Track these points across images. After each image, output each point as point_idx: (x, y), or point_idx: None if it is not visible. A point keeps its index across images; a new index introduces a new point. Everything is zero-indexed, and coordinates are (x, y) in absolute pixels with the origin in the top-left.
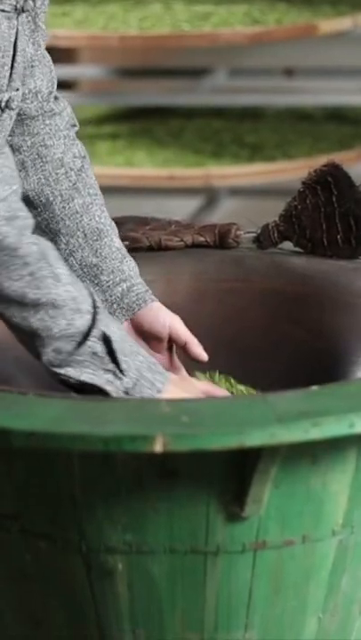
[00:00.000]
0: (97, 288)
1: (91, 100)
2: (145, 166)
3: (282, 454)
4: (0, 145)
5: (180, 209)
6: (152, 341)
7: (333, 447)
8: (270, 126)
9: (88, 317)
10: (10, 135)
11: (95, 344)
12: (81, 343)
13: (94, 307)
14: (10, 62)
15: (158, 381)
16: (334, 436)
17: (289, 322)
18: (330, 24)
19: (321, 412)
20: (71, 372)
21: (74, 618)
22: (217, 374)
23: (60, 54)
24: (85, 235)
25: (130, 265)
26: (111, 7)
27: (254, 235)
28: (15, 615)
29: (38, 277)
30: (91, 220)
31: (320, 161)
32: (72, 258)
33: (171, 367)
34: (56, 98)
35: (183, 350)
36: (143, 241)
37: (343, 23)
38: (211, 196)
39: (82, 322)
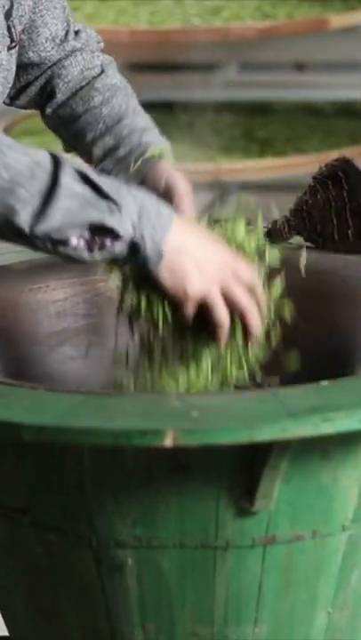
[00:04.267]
0: (116, 163)
1: None
2: None
3: (292, 449)
4: None
5: None
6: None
7: (344, 442)
8: (281, 121)
9: (49, 166)
10: (37, 79)
11: (70, 183)
12: (53, 189)
13: (54, 155)
14: None
15: (163, 206)
16: (345, 430)
17: (300, 317)
18: (341, 19)
19: (332, 407)
20: (59, 221)
21: (84, 611)
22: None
23: None
24: (106, 124)
25: (152, 134)
26: (121, 1)
27: (265, 229)
28: (26, 608)
29: None
30: (110, 110)
31: (330, 155)
32: (95, 147)
33: None
34: (77, 32)
35: (176, 202)
36: None
37: (354, 18)
38: (221, 190)
39: (45, 172)
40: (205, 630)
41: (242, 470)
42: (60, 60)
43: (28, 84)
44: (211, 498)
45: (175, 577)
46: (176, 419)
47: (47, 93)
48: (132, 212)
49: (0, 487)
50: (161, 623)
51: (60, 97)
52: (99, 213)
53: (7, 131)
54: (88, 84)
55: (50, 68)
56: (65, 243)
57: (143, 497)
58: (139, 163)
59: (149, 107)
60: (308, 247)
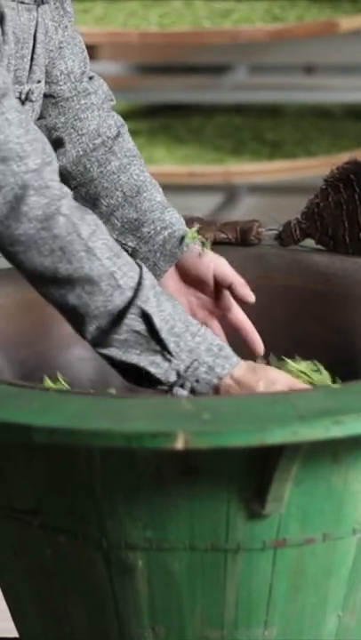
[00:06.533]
0: (140, 241)
1: None
2: (165, 163)
3: (303, 452)
4: (30, 123)
5: (201, 206)
6: (200, 285)
7: (355, 445)
8: (290, 123)
9: (129, 294)
10: (45, 117)
11: (134, 322)
12: (118, 320)
13: (140, 282)
14: (30, 54)
15: (219, 366)
16: (356, 434)
17: (311, 319)
18: (351, 21)
19: (343, 410)
20: (114, 352)
21: (94, 613)
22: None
23: None
24: (124, 193)
25: (172, 214)
26: (131, 4)
27: (276, 232)
28: (36, 609)
29: (69, 251)
30: (129, 178)
31: (340, 158)
32: (113, 217)
33: (218, 309)
34: (90, 77)
35: (230, 291)
36: None
37: None
38: (231, 192)
39: (121, 298)
40: (215, 633)
41: (253, 473)
42: (75, 109)
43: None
44: (221, 500)
45: (185, 579)
46: (187, 421)
47: (53, 139)
48: (181, 365)
49: (10, 489)
50: (171, 626)
51: (70, 148)
52: (147, 360)
53: None
54: (103, 143)
55: (63, 111)
56: (112, 363)
57: (154, 499)
58: (182, 248)
59: (159, 109)
60: (319, 250)
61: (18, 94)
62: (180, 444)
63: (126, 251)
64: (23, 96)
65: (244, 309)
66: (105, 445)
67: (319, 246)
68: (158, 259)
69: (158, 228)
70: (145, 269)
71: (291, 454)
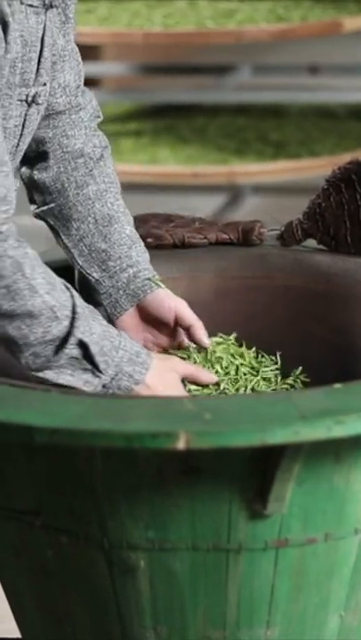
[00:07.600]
0: (104, 274)
1: (114, 98)
2: (169, 163)
3: (305, 452)
4: (2, 162)
5: (204, 206)
6: (159, 326)
7: (357, 445)
8: (294, 123)
9: (66, 324)
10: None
11: (72, 350)
12: (58, 349)
13: (73, 312)
14: (37, 57)
15: (137, 373)
16: (357, 434)
17: (312, 319)
18: (355, 21)
19: (344, 410)
20: (50, 375)
21: (96, 613)
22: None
23: (83, 51)
24: (96, 220)
25: (139, 251)
26: (135, 4)
27: (278, 232)
28: (38, 610)
29: (13, 290)
30: (103, 206)
31: (344, 158)
32: (82, 243)
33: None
34: (83, 91)
35: (187, 334)
36: (167, 238)
37: None
38: (234, 193)
39: (59, 329)
40: (218, 633)
41: (254, 473)
42: (64, 125)
43: None
44: (223, 500)
45: (187, 579)
46: (189, 421)
47: (39, 152)
48: (107, 379)
49: (11, 489)
50: (173, 626)
51: (52, 164)
52: (80, 380)
53: None
54: (85, 164)
55: (53, 124)
56: (42, 381)
57: (155, 499)
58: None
59: (163, 109)
60: (320, 250)
61: (24, 97)
62: (181, 444)
63: (89, 280)
64: (30, 99)
65: (246, 308)
66: (106, 446)
67: (321, 246)
68: (121, 296)
69: (124, 265)
70: (74, 293)
71: (292, 454)
